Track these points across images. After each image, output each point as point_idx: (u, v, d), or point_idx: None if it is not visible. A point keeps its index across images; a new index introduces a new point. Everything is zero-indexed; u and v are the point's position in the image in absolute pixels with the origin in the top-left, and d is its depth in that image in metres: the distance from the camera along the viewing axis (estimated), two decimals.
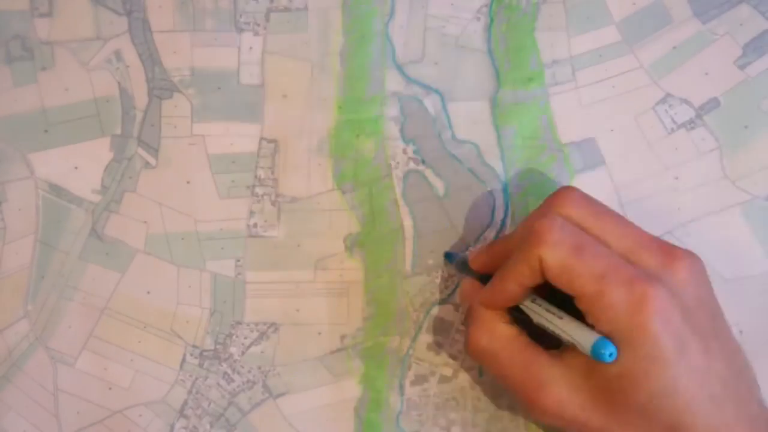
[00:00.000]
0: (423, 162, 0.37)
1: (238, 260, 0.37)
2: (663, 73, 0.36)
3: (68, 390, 0.37)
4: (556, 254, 0.28)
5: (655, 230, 0.36)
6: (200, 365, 0.37)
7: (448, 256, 0.36)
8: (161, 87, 0.37)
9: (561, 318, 0.30)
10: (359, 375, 0.37)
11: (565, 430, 0.30)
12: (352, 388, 0.37)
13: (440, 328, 0.37)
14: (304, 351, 0.37)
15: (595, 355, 0.27)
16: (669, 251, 0.29)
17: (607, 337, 0.28)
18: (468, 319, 0.32)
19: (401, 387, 0.37)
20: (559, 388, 0.29)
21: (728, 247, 0.36)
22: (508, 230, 0.36)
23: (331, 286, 0.37)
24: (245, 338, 0.37)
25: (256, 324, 0.37)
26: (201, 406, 0.37)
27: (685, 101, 0.36)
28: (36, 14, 0.37)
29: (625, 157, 0.36)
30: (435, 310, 0.37)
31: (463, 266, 0.34)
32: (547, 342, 0.31)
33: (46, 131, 0.37)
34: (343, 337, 0.37)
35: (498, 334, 0.31)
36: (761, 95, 0.36)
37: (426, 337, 0.37)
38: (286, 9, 0.37)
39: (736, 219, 0.36)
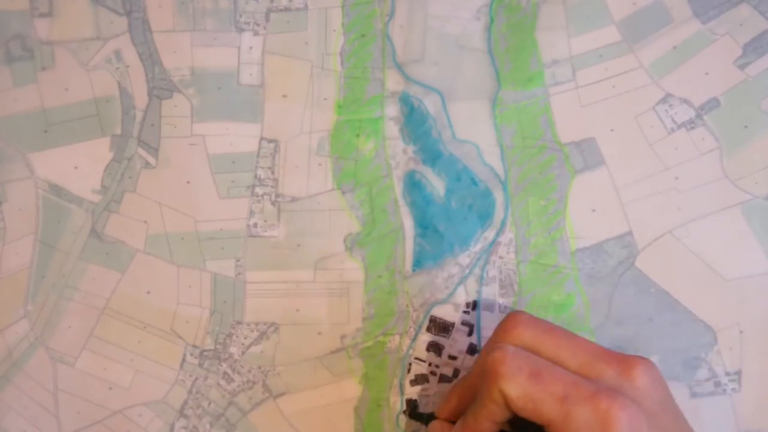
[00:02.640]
0: (423, 162, 0.37)
1: (238, 260, 0.37)
2: (663, 73, 0.36)
3: (68, 390, 0.37)
4: (515, 385, 0.28)
5: (655, 230, 0.36)
6: (200, 365, 0.37)
7: (415, 416, 0.36)
8: (161, 87, 0.37)
9: None
10: (359, 375, 0.37)
11: None
12: (352, 388, 0.37)
13: (440, 328, 0.37)
14: (304, 351, 0.37)
15: None
16: (624, 360, 0.29)
17: None
18: None
19: (401, 387, 0.37)
20: None
21: (728, 247, 0.36)
22: (507, 230, 0.36)
23: (331, 286, 0.37)
24: (245, 338, 0.37)
25: (256, 324, 0.37)
26: (201, 406, 0.37)
27: (685, 101, 0.36)
28: (36, 14, 0.37)
29: (625, 157, 0.36)
30: (435, 310, 0.37)
31: (428, 420, 0.35)
32: None
33: (46, 131, 0.37)
34: (343, 337, 0.37)
35: None
36: (761, 95, 0.36)
37: (426, 337, 0.37)
38: (286, 9, 0.37)
39: (736, 219, 0.36)
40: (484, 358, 0.30)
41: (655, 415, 0.29)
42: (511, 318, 0.31)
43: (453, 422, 0.33)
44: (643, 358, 0.30)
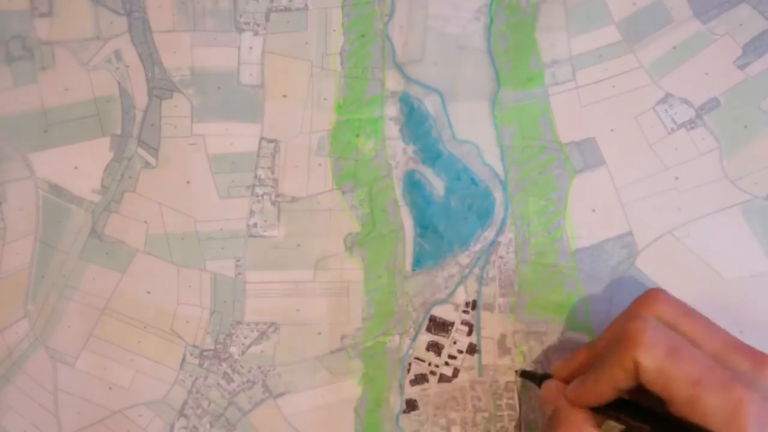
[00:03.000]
0: (423, 162, 0.37)
1: (238, 260, 0.37)
2: (663, 73, 0.36)
3: (68, 390, 0.37)
4: (652, 357, 0.28)
5: (655, 230, 0.36)
6: (200, 365, 0.37)
7: (528, 376, 0.36)
8: (161, 87, 0.37)
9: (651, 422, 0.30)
10: (359, 375, 0.37)
11: None
12: (352, 388, 0.37)
13: (440, 327, 0.37)
14: (304, 351, 0.37)
15: None
16: (758, 356, 0.29)
17: None
18: (554, 420, 0.32)
19: (401, 387, 0.37)
20: None
21: (728, 247, 0.36)
22: (507, 230, 0.36)
23: (331, 286, 0.37)
24: (245, 338, 0.37)
25: (256, 324, 0.37)
26: (201, 406, 0.37)
27: (685, 101, 0.36)
28: (36, 14, 0.37)
29: (625, 157, 0.36)
30: (435, 310, 0.37)
31: (542, 380, 0.34)
32: None
33: (46, 131, 0.37)
34: (343, 337, 0.37)
35: None
36: (761, 95, 0.36)
37: (426, 337, 0.37)
38: (286, 9, 0.37)
39: (736, 219, 0.36)
40: (620, 326, 0.30)
41: None
42: (652, 294, 0.31)
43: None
44: None
